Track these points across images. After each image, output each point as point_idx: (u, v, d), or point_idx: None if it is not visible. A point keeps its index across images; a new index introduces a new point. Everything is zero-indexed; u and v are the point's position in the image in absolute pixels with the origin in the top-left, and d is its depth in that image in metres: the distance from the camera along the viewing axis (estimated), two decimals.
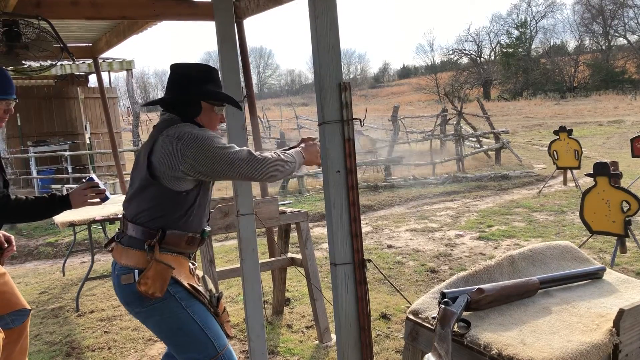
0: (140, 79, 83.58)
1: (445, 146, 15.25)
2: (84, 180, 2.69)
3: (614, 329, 1.46)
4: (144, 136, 28.33)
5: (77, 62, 10.96)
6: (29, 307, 2.91)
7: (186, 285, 2.19)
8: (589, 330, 1.51)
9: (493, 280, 1.86)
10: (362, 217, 4.86)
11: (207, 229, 2.31)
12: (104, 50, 6.26)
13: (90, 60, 7.13)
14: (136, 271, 2.13)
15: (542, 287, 1.71)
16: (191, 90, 2.22)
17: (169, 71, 2.35)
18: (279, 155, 2.16)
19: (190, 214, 2.19)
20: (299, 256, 4.01)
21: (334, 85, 2.28)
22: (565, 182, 9.85)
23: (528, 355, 1.39)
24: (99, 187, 2.59)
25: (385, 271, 5.62)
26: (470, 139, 14.77)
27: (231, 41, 2.99)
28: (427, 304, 1.77)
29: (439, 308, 1.54)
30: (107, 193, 2.62)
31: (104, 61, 11.87)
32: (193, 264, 2.37)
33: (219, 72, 2.35)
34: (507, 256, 1.93)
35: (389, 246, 6.69)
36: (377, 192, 10.62)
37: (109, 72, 13.05)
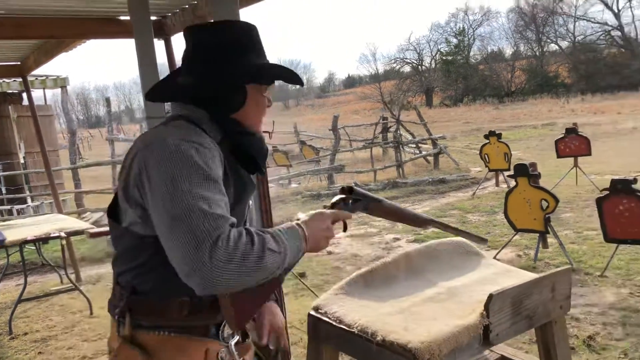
0: (81, 95, 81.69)
1: (386, 153, 15.63)
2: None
3: (484, 312, 1.63)
4: (85, 154, 27.72)
5: (7, 81, 10.71)
6: None
7: None
8: (466, 315, 1.69)
9: (390, 276, 2.02)
10: None
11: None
12: (33, 69, 6.20)
13: (21, 79, 7.01)
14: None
15: (431, 225, 1.77)
16: (229, 68, 1.40)
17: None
18: (262, 240, 1.22)
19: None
20: None
21: None
22: (497, 184, 10.30)
23: (407, 340, 1.55)
24: None
25: (323, 277, 5.77)
26: (410, 145, 15.20)
27: (150, 58, 3.10)
28: (328, 299, 1.92)
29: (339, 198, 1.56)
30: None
31: (36, 79, 11.64)
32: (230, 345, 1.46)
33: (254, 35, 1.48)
34: (403, 253, 2.10)
35: (329, 252, 6.84)
36: (320, 200, 10.80)
37: (43, 89, 12.79)
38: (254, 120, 1.48)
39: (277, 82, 1.50)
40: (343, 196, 1.55)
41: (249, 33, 1.46)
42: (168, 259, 1.19)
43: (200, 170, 1.23)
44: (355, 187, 1.58)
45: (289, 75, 1.48)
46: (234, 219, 1.22)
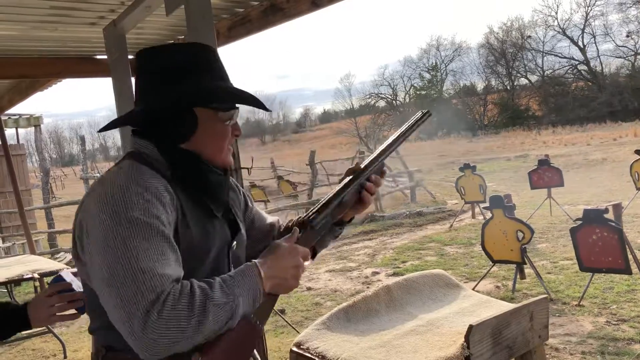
0: (54, 133, 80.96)
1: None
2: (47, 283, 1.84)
3: (464, 343, 1.64)
4: (58, 192, 27.30)
5: None
6: None
7: None
8: (446, 346, 1.69)
9: (371, 309, 2.02)
10: None
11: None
12: (6, 108, 6.16)
13: None
14: None
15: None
16: (173, 91, 1.26)
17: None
18: (204, 296, 1.10)
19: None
20: None
21: None
22: (473, 216, 10.40)
23: None
24: (73, 290, 1.61)
25: (303, 313, 5.72)
26: (387, 179, 15.32)
27: (127, 96, 3.11)
28: (310, 335, 1.91)
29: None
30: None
31: (9, 118, 11.53)
32: None
33: (214, 56, 1.35)
34: (384, 286, 2.11)
35: (308, 288, 6.80)
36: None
37: (16, 128, 12.66)
38: (212, 150, 1.31)
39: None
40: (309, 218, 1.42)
41: (202, 54, 1.31)
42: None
43: (139, 222, 1.12)
44: (312, 218, 1.42)
45: (249, 99, 1.30)
46: (178, 274, 1.13)
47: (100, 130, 1.42)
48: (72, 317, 1.63)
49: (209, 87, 1.28)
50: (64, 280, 1.61)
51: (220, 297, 1.11)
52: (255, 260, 1.24)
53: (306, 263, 1.34)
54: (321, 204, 1.46)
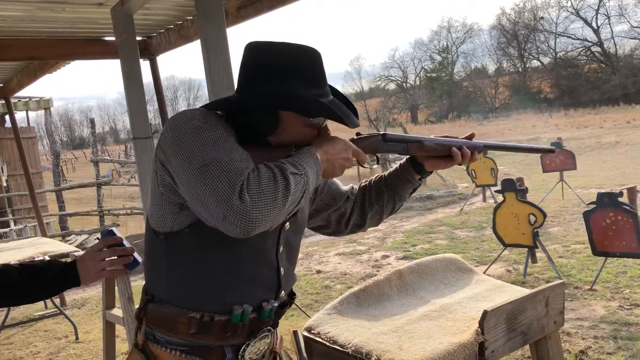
0: (65, 116, 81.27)
1: (373, 170, 15.65)
2: (97, 238, 1.86)
3: (479, 329, 1.61)
4: (68, 175, 27.44)
5: None
6: None
7: None
8: (460, 332, 1.66)
9: (383, 294, 1.99)
10: None
11: (248, 308, 1.32)
12: (16, 91, 6.14)
13: (3, 101, 6.93)
14: None
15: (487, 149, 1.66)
16: (256, 91, 1.33)
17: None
18: (281, 168, 1.18)
19: (185, 272, 1.29)
20: None
21: None
22: (484, 199, 10.33)
23: (402, 359, 1.52)
24: (123, 245, 1.61)
25: (313, 296, 5.72)
26: (397, 162, 15.25)
27: (136, 78, 3.07)
28: (320, 320, 1.88)
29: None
30: (136, 255, 1.63)
31: (19, 100, 11.55)
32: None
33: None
34: (395, 270, 2.08)
35: (318, 271, 6.79)
36: None
37: (26, 111, 12.68)
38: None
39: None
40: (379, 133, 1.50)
41: (300, 58, 1.33)
42: (175, 263, 1.26)
43: (219, 127, 1.23)
44: (389, 134, 1.50)
45: (332, 115, 1.32)
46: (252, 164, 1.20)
47: (203, 107, 1.42)
48: (121, 272, 1.63)
49: (293, 95, 1.31)
50: (115, 235, 1.62)
51: (294, 169, 1.19)
52: (315, 145, 1.30)
53: (364, 166, 1.45)
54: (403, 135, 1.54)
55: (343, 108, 1.38)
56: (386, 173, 1.67)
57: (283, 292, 1.42)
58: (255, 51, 1.34)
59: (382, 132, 1.50)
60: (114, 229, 1.68)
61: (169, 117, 1.41)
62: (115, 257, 1.58)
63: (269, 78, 1.31)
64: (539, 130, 28.58)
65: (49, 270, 1.53)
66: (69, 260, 1.59)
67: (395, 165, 1.65)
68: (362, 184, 1.69)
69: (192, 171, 1.15)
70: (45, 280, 1.51)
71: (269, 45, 1.35)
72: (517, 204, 5.56)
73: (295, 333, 1.64)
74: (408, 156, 1.60)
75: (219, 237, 1.19)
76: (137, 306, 1.38)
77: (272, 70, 1.31)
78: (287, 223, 1.39)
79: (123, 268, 1.60)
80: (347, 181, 1.75)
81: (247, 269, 1.32)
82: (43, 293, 1.55)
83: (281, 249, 1.39)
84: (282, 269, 1.40)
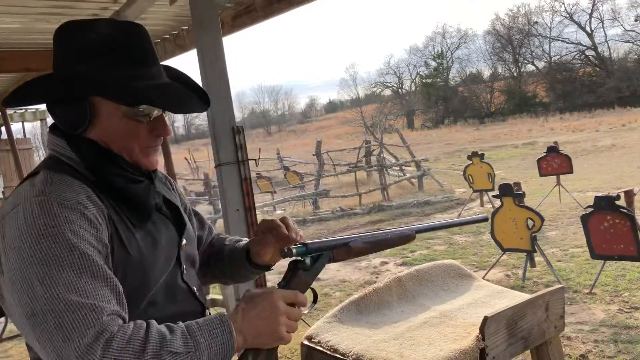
0: None
1: (371, 176, 15.66)
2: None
3: (480, 335, 1.61)
4: None
5: None
6: None
7: None
8: (461, 338, 1.66)
9: (383, 301, 1.99)
10: None
11: None
12: None
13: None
14: None
15: (418, 233, 1.62)
16: (65, 73, 1.11)
17: None
18: (161, 341, 0.95)
19: None
20: (220, 297, 4.04)
21: (227, 129, 2.40)
22: (482, 204, 10.34)
23: None
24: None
25: None
26: (394, 168, 15.26)
27: None
28: (321, 328, 1.88)
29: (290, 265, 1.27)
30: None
31: (15, 112, 11.55)
32: None
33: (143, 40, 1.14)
34: (395, 277, 2.07)
35: (317, 279, 6.78)
36: (306, 226, 10.75)
37: (22, 122, 12.67)
38: (117, 148, 1.13)
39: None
40: (297, 259, 1.25)
41: (115, 35, 1.09)
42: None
43: (65, 245, 0.96)
44: (307, 243, 1.26)
45: (146, 99, 1.08)
46: (116, 308, 0.97)
47: (4, 104, 1.23)
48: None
49: (109, 76, 1.07)
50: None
51: (180, 346, 0.95)
52: (232, 313, 1.08)
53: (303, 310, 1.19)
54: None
55: (177, 90, 1.15)
56: (230, 243, 1.46)
57: (208, 310, 1.31)
58: (63, 32, 1.13)
59: (302, 243, 1.25)
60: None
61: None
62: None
63: (75, 59, 1.10)
64: (535, 134, 28.64)
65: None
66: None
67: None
68: (217, 237, 1.50)
69: (24, 316, 0.94)
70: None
71: (77, 23, 1.13)
72: (515, 208, 5.57)
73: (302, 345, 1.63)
74: (245, 241, 1.40)
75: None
76: None
77: (76, 50, 1.10)
78: (184, 240, 1.26)
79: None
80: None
81: (165, 312, 1.15)
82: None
83: (185, 270, 1.25)
84: (194, 289, 1.28)
